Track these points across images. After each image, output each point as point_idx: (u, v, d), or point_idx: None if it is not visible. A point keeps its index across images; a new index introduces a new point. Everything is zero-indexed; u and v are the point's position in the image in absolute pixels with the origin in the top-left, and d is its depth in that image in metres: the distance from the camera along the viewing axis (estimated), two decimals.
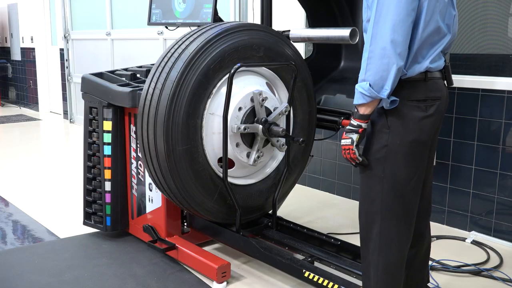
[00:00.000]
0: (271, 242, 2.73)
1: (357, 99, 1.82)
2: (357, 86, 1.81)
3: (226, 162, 2.49)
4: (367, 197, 1.94)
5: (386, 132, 1.85)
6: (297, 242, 2.68)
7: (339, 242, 2.57)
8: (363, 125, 1.88)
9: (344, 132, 1.93)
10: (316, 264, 2.48)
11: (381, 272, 1.93)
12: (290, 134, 2.76)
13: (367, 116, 1.86)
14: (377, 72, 1.75)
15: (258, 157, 2.60)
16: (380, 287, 1.93)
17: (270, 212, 2.87)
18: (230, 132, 2.48)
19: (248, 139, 2.58)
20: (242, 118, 2.52)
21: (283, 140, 2.67)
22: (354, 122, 1.88)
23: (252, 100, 2.53)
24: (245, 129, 2.51)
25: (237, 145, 2.54)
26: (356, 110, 1.87)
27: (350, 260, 2.46)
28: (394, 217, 1.89)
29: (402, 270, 1.97)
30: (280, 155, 2.82)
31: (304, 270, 2.34)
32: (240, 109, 2.51)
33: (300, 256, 2.56)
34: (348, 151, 1.90)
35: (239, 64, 2.40)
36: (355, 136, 1.89)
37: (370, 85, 1.76)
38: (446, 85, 1.95)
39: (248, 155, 2.59)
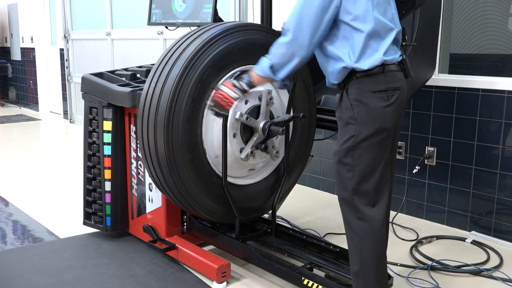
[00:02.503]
0: (270, 249, 2.72)
1: (259, 70, 2.11)
2: (264, 58, 2.10)
3: (226, 170, 2.49)
4: (341, 185, 2.07)
5: (354, 124, 1.99)
6: (296, 249, 2.67)
7: (338, 249, 2.55)
8: (249, 90, 2.23)
9: (232, 84, 2.22)
10: (315, 271, 2.47)
11: (364, 261, 2.03)
12: (290, 133, 2.76)
13: (254, 86, 2.21)
14: (281, 58, 2.03)
15: (252, 152, 2.58)
16: (367, 276, 2.04)
17: (270, 217, 2.87)
18: (230, 120, 2.47)
19: (246, 134, 2.57)
20: (246, 110, 2.52)
21: (278, 148, 2.68)
22: (244, 85, 2.20)
23: (259, 98, 2.53)
24: (247, 118, 2.49)
25: (234, 135, 2.53)
26: (249, 78, 2.18)
27: (349, 267, 2.44)
28: (367, 201, 2.02)
29: (384, 257, 2.09)
30: (280, 155, 2.81)
31: (303, 278, 2.33)
32: (246, 102, 2.52)
33: (299, 263, 2.54)
34: (227, 100, 2.22)
35: (238, 72, 2.40)
36: (238, 94, 2.21)
37: (271, 66, 2.06)
38: (406, 76, 2.08)
39: (241, 151, 2.58)
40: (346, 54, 1.97)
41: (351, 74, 1.99)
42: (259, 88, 2.54)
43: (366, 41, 1.95)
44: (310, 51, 2.01)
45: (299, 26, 1.97)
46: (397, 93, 2.00)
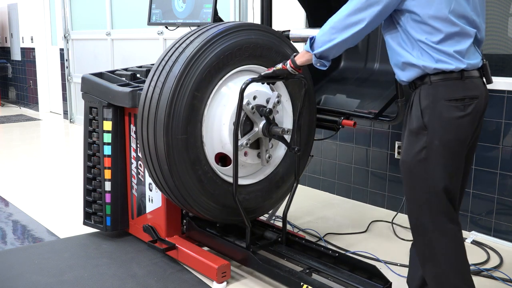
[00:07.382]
0: (270, 253, 2.71)
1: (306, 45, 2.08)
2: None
3: (236, 181, 2.48)
4: (413, 200, 1.96)
5: (424, 134, 1.86)
6: (295, 254, 2.65)
7: (337, 254, 2.54)
8: (292, 71, 2.23)
9: (283, 65, 2.26)
10: (314, 276, 2.46)
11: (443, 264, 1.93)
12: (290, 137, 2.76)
13: (299, 66, 2.20)
14: (323, 35, 1.96)
15: (247, 144, 2.55)
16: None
17: (271, 221, 2.87)
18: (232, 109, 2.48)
19: (246, 128, 2.55)
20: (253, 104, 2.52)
21: (271, 152, 2.67)
22: (289, 67, 2.22)
23: (267, 101, 2.55)
24: (252, 108, 2.47)
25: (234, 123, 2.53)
26: (294, 58, 2.19)
27: (348, 272, 2.43)
28: (442, 215, 1.90)
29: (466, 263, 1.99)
30: (280, 156, 2.81)
31: (302, 283, 2.32)
32: (252, 100, 2.53)
33: (298, 268, 2.54)
34: (269, 69, 2.33)
35: (250, 79, 2.36)
36: (279, 71, 2.28)
37: (312, 38, 2.01)
38: (485, 83, 1.93)
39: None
40: (419, 56, 1.84)
41: (425, 76, 1.85)
42: (268, 91, 2.57)
43: (440, 43, 1.79)
44: (352, 35, 1.89)
45: (348, 9, 1.87)
46: (475, 102, 1.84)
